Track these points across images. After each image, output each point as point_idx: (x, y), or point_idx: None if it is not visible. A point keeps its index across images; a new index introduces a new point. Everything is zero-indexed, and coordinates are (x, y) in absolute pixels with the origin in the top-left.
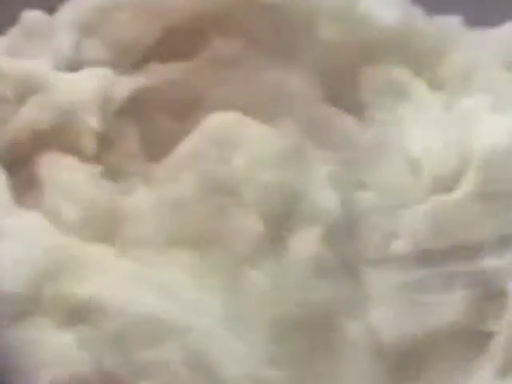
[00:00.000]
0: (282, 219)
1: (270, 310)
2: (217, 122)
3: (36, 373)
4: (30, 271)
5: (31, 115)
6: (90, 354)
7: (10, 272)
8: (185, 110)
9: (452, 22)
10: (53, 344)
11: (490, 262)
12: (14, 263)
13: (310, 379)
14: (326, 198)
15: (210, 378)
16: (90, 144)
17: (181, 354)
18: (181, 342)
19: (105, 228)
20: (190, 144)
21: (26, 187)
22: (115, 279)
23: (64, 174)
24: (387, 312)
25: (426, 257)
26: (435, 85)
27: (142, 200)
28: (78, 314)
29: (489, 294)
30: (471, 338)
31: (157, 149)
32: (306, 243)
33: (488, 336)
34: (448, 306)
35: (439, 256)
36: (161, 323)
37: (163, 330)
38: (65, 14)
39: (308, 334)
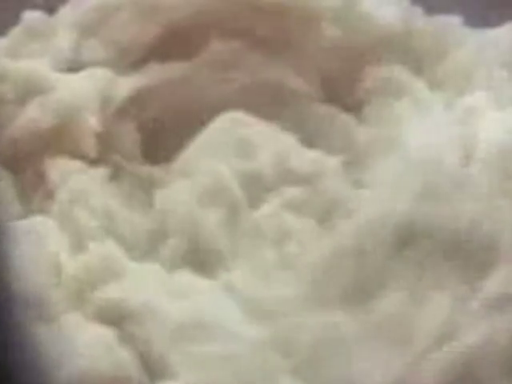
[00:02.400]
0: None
1: None
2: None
3: (67, 367)
4: (51, 272)
5: (32, 116)
6: (120, 352)
7: (31, 273)
8: (185, 110)
9: (452, 22)
10: (81, 341)
11: None
12: (34, 265)
13: None
14: None
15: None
16: (91, 145)
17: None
18: (207, 341)
19: (115, 230)
20: (199, 143)
21: (32, 189)
22: (137, 280)
23: (67, 174)
24: None
25: None
26: (435, 84)
27: (146, 201)
28: (105, 314)
29: None
30: None
31: (157, 149)
32: None
33: None
34: None
35: None
36: (182, 324)
37: (184, 331)
38: (65, 14)
39: None
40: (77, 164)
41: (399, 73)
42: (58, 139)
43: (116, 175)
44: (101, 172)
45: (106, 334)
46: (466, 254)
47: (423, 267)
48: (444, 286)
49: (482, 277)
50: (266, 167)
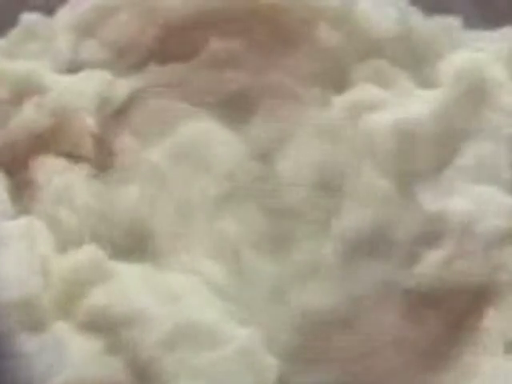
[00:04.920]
0: None
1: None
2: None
3: (57, 376)
4: (35, 277)
5: (29, 117)
6: (110, 359)
7: (15, 278)
8: (183, 112)
9: (452, 23)
10: (70, 350)
11: None
12: (18, 268)
13: None
14: None
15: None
16: (87, 146)
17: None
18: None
19: (102, 232)
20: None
21: (24, 190)
22: (123, 284)
23: (62, 176)
24: None
25: None
26: (433, 84)
27: (139, 202)
28: (94, 322)
29: None
30: None
31: None
32: None
33: None
34: None
35: None
36: (173, 329)
37: (176, 337)
38: (64, 15)
39: None
40: (64, 164)
41: (389, 69)
42: (55, 140)
43: (106, 176)
44: (89, 172)
45: (95, 341)
46: None
47: None
48: None
49: None
50: None
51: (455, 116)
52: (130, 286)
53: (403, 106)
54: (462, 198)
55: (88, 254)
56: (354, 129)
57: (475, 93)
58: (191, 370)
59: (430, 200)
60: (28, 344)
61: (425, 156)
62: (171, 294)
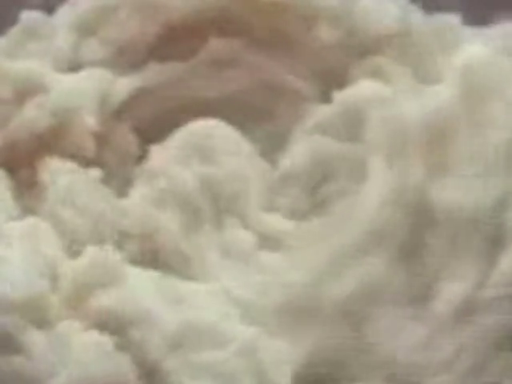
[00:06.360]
0: None
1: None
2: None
3: (63, 374)
4: (40, 277)
5: (30, 116)
6: (117, 359)
7: (20, 277)
8: (183, 111)
9: (451, 21)
10: (78, 348)
11: None
12: (23, 268)
13: None
14: None
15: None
16: (88, 145)
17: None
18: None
19: (106, 233)
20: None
21: (26, 190)
22: (129, 285)
23: (66, 177)
24: None
25: None
26: (434, 81)
27: (139, 202)
28: (102, 321)
29: None
30: None
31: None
32: None
33: None
34: None
35: None
36: (177, 329)
37: (180, 337)
38: (64, 14)
39: None
40: (68, 165)
41: (388, 65)
42: (56, 139)
43: (109, 176)
44: (93, 173)
45: (103, 340)
46: None
47: None
48: None
49: None
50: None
51: (461, 111)
52: (136, 287)
53: (405, 102)
54: (467, 194)
55: (95, 255)
56: (357, 125)
57: (482, 88)
58: (195, 370)
59: (438, 196)
60: (34, 342)
61: (431, 152)
62: (176, 295)
